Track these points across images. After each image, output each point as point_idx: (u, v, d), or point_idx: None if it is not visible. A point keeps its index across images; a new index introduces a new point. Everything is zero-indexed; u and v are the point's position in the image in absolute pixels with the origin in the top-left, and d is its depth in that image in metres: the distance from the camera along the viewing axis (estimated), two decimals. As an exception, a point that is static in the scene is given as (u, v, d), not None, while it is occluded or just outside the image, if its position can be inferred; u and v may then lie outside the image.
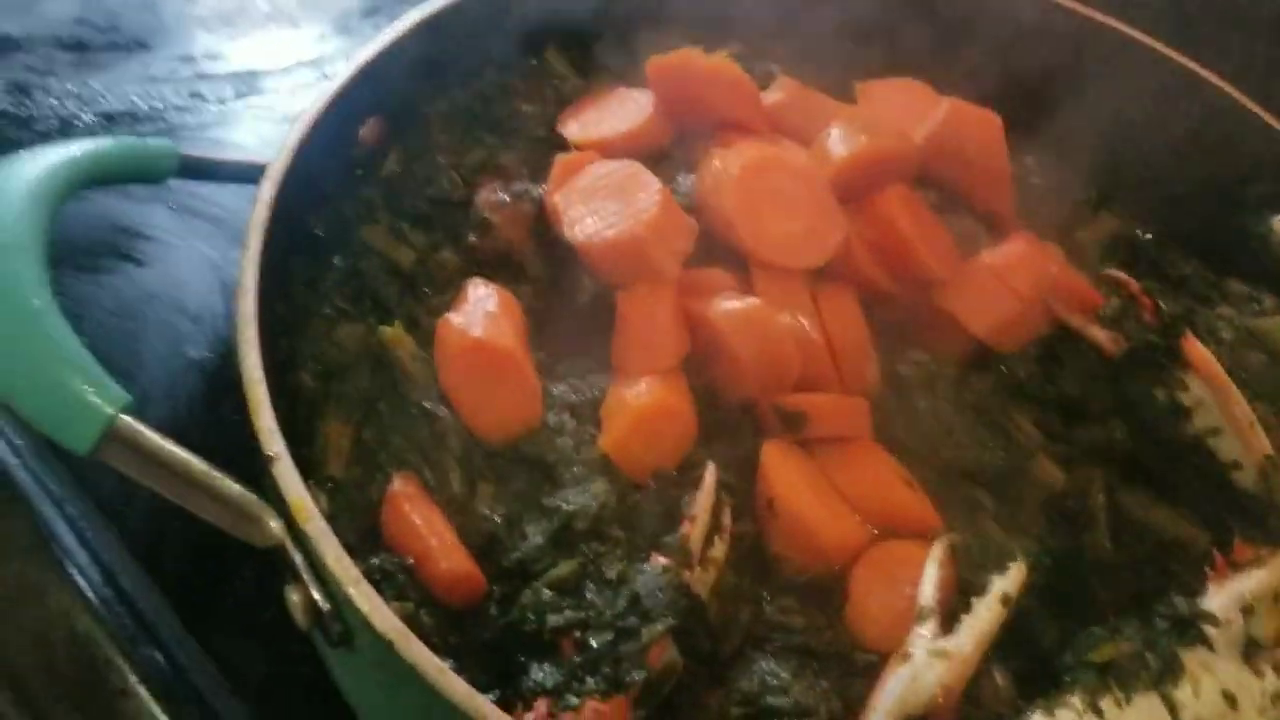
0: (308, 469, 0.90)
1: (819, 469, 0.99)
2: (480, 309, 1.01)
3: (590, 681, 0.81)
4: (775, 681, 0.86)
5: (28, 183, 0.91)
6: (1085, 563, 0.99)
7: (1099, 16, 1.30)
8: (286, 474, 0.81)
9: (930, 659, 0.83)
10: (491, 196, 1.11)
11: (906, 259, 1.07)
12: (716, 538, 0.93)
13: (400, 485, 0.95)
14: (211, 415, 1.17)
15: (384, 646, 0.75)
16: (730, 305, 1.00)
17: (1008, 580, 0.89)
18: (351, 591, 0.77)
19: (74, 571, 1.06)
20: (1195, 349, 1.04)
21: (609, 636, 0.83)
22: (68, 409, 0.81)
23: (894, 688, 0.83)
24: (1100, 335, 1.07)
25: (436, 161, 1.18)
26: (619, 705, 0.80)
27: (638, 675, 0.81)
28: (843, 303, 1.06)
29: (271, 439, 0.83)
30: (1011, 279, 1.06)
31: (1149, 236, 1.28)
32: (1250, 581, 0.94)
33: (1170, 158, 1.25)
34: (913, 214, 1.08)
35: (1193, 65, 1.25)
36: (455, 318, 1.00)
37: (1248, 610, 0.91)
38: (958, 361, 1.09)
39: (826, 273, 1.07)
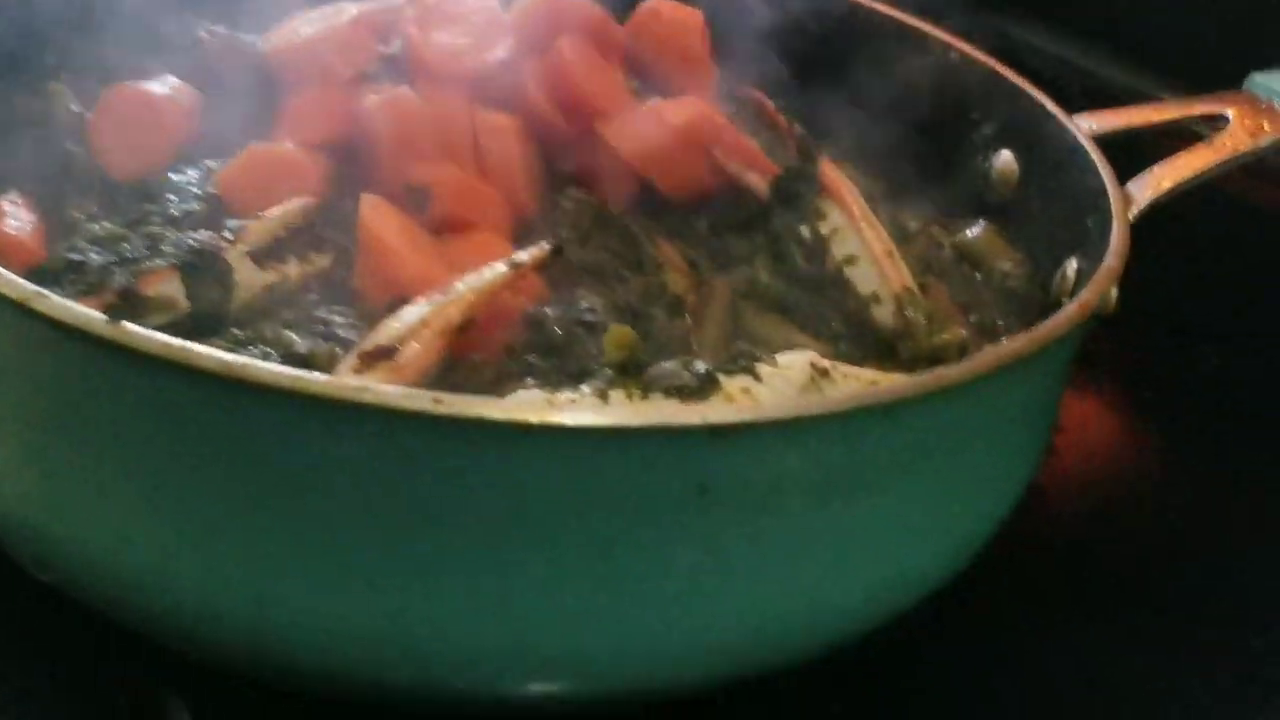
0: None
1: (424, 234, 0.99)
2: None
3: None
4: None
5: None
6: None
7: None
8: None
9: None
10: None
11: (571, 90, 1.10)
12: (296, 260, 0.94)
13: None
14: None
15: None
16: (378, 95, 1.05)
17: (524, 253, 0.87)
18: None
19: None
20: (828, 170, 1.04)
21: (113, 259, 0.83)
22: None
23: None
24: (752, 178, 1.08)
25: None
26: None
27: (121, 282, 0.80)
28: (501, 125, 1.08)
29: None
30: (666, 114, 1.08)
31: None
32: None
33: (900, 106, 1.28)
34: (584, 56, 1.12)
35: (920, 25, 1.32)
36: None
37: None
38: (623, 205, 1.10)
39: (497, 105, 1.10)
